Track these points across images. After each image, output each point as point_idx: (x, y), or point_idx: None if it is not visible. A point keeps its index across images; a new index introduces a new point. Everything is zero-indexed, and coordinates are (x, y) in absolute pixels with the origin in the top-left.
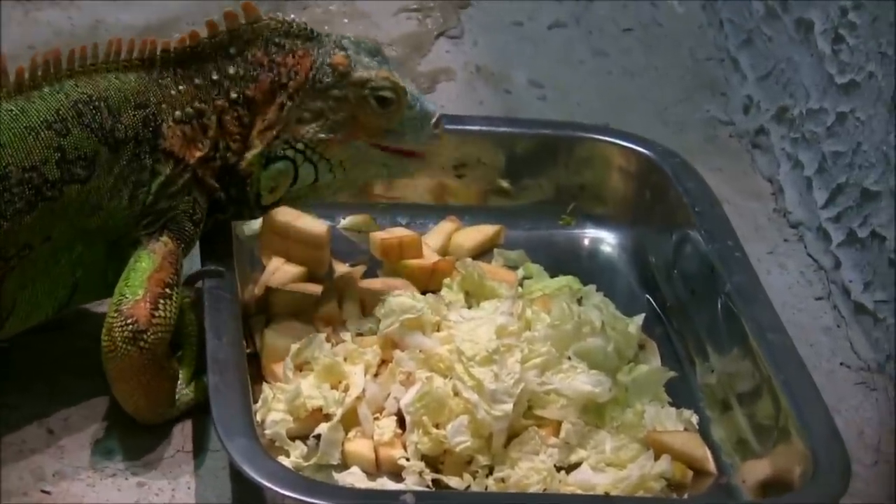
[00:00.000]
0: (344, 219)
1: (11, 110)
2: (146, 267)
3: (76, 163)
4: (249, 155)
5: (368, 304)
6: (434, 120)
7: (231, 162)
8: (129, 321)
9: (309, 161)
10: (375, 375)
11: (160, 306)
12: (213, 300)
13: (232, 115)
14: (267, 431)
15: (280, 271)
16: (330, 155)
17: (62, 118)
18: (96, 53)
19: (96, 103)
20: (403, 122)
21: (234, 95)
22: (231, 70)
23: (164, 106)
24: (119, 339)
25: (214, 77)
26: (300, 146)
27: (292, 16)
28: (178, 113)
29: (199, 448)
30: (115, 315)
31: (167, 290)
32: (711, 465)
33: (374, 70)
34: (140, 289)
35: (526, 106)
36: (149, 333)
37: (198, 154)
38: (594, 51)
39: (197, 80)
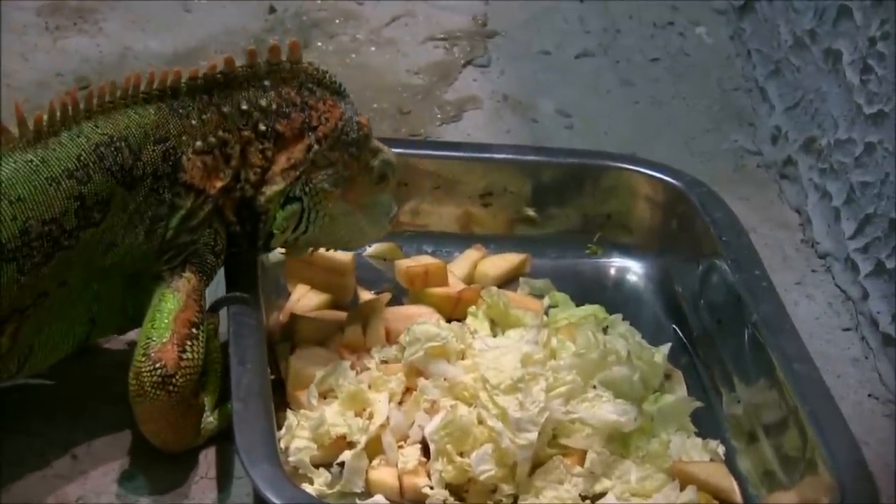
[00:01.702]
0: (370, 246)
1: (31, 161)
2: (172, 308)
3: (94, 208)
4: (269, 191)
5: (393, 332)
6: (392, 214)
7: (248, 195)
8: (157, 366)
9: (309, 207)
10: (400, 403)
11: (188, 348)
12: (237, 327)
13: (256, 148)
14: (291, 459)
15: (305, 298)
16: (324, 207)
17: (83, 164)
18: (114, 91)
19: (117, 143)
20: (376, 203)
21: (262, 128)
22: (263, 102)
23: (184, 137)
24: (148, 384)
25: (244, 107)
26: (308, 190)
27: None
28: (198, 143)
29: (223, 475)
30: (143, 360)
31: (193, 329)
32: (738, 497)
33: (385, 146)
34: (167, 331)
35: (553, 135)
36: (177, 377)
37: (219, 184)
38: (621, 80)
39: (224, 108)
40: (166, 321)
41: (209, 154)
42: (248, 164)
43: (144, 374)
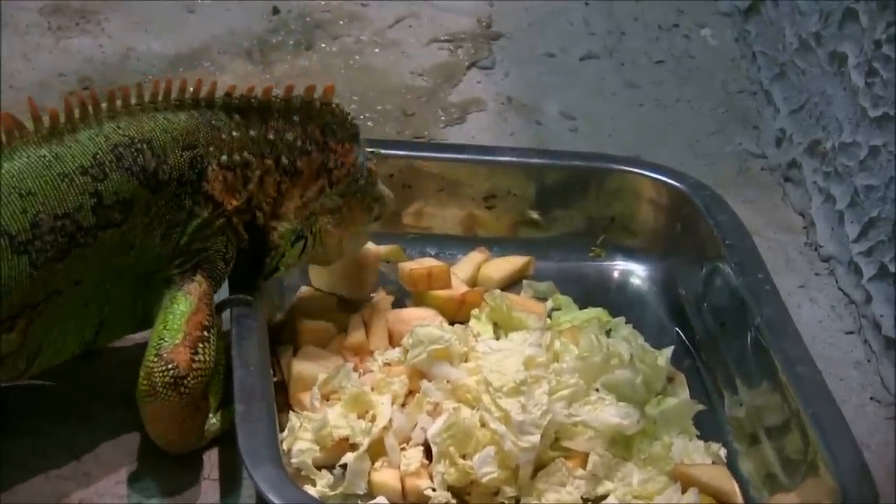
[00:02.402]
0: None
1: (44, 156)
2: (184, 310)
3: (114, 207)
4: (282, 228)
5: (396, 335)
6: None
7: (258, 222)
8: (169, 366)
9: (311, 246)
10: (403, 405)
11: (200, 350)
12: (240, 329)
13: (274, 179)
14: (293, 460)
15: (308, 300)
16: (322, 242)
17: (99, 162)
18: (141, 94)
19: (138, 146)
20: (361, 234)
21: (284, 161)
22: (290, 136)
23: (211, 149)
24: (160, 384)
25: (271, 136)
26: (314, 231)
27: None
28: (224, 158)
29: (226, 476)
30: (156, 360)
31: (205, 332)
32: (739, 499)
33: (385, 188)
34: (179, 333)
35: (557, 137)
36: (189, 378)
37: (234, 202)
38: (626, 83)
39: (252, 132)
40: (179, 323)
41: (231, 171)
42: (263, 192)
43: (157, 374)
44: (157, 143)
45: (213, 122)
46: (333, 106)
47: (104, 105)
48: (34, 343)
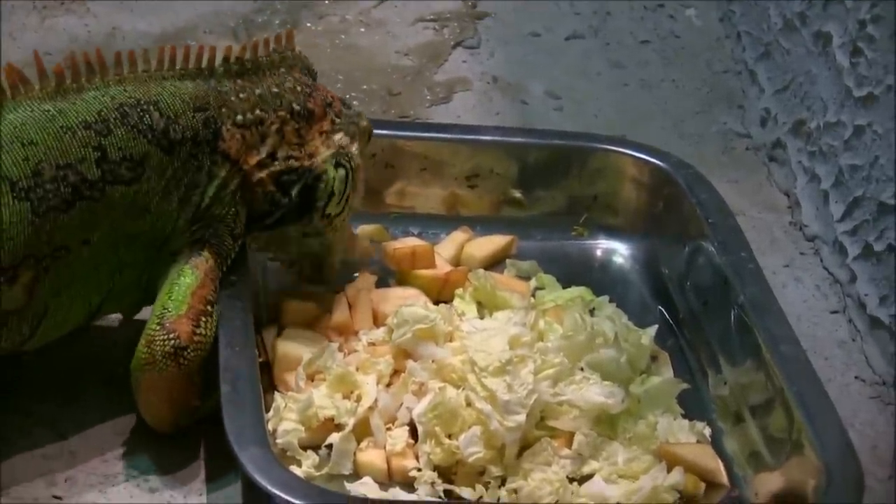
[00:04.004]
0: (356, 228)
1: (48, 111)
2: (190, 282)
3: (120, 164)
4: (320, 156)
5: (381, 314)
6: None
7: (294, 167)
8: (171, 336)
9: (349, 179)
10: (388, 385)
11: (202, 323)
12: (225, 309)
13: (293, 126)
14: (279, 441)
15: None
16: (355, 182)
17: (103, 119)
18: (147, 60)
19: (144, 107)
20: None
21: (296, 107)
22: (289, 85)
23: (223, 110)
24: (159, 352)
25: (275, 90)
26: (347, 159)
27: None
28: (239, 117)
29: (211, 456)
30: (158, 328)
31: (208, 307)
32: (724, 478)
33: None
34: (183, 304)
35: (542, 117)
36: (189, 350)
37: (253, 160)
38: (611, 62)
39: (258, 91)
40: (184, 295)
41: (248, 129)
42: (286, 141)
43: (157, 342)
44: (165, 104)
45: (219, 88)
46: (298, 52)
47: (112, 69)
48: (41, 304)
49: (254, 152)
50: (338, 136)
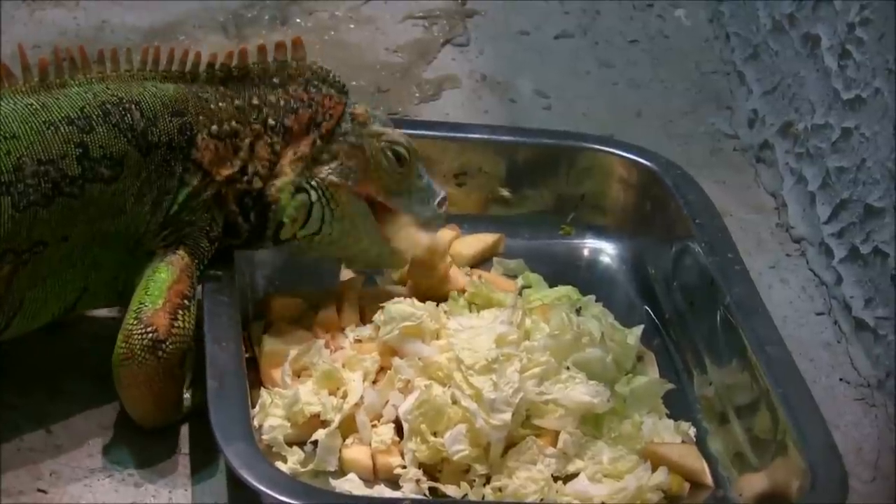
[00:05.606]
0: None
1: (31, 105)
2: (165, 278)
3: (101, 161)
4: (279, 182)
5: (368, 311)
6: (439, 199)
7: (256, 187)
8: (148, 330)
9: (321, 202)
10: (374, 382)
11: (179, 317)
12: (212, 305)
13: (265, 142)
14: (265, 437)
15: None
16: (338, 202)
17: (86, 115)
18: (131, 60)
19: (126, 105)
20: (412, 189)
21: (272, 122)
22: (272, 98)
23: (201, 118)
24: (137, 347)
25: (255, 102)
26: (315, 183)
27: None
28: (214, 127)
29: (197, 451)
30: (135, 322)
31: (185, 301)
32: (708, 478)
33: (390, 129)
34: (160, 299)
35: (531, 115)
36: (167, 343)
37: (225, 172)
38: (600, 62)
39: (237, 102)
40: (160, 290)
41: (221, 141)
42: (257, 157)
43: (135, 336)
44: (147, 105)
45: (199, 94)
46: (311, 63)
47: (94, 66)
48: (16, 297)
49: (226, 165)
50: (324, 157)
